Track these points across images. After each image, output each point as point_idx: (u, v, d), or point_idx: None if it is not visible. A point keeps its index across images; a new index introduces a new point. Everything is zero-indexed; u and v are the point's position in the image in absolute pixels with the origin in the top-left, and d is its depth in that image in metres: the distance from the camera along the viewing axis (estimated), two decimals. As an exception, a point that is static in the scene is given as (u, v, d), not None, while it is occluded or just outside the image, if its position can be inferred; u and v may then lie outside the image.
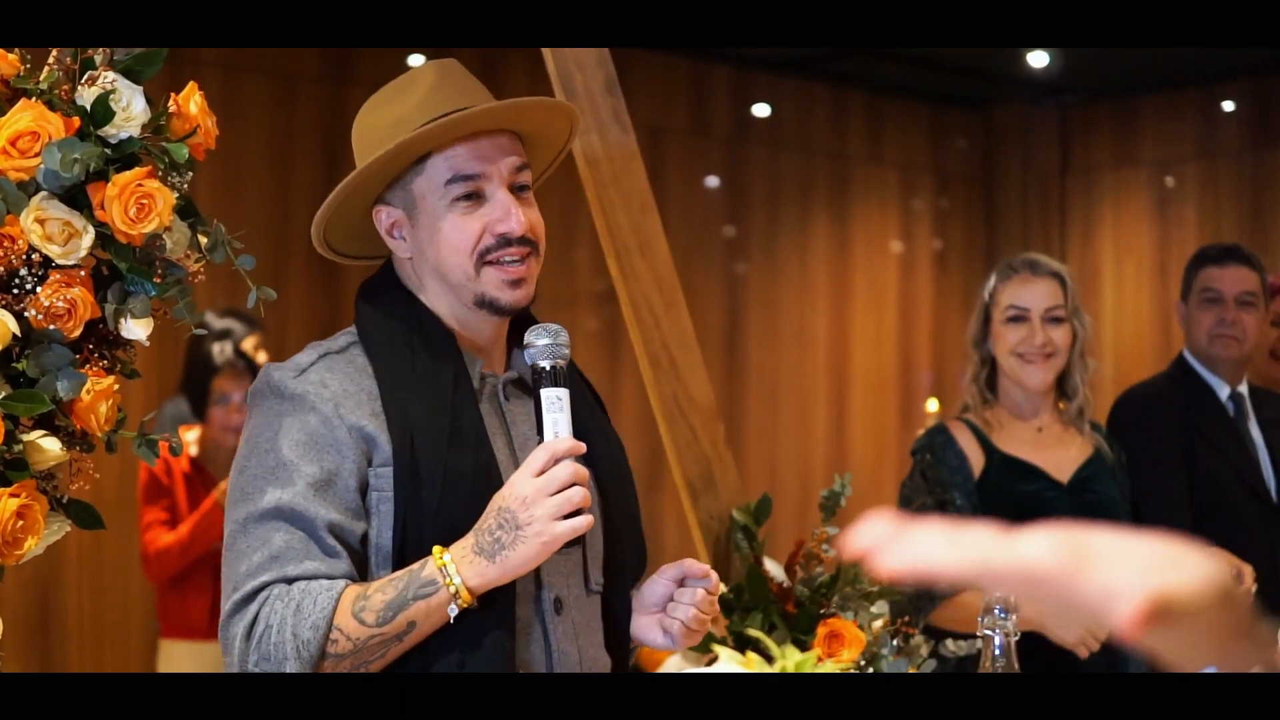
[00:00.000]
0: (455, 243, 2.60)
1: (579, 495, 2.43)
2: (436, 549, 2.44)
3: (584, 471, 2.46)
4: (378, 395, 2.55)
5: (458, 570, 2.42)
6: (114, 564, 7.19)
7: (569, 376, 2.54)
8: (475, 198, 2.61)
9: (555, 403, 2.49)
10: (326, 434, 2.51)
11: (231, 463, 5.79)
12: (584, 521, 2.44)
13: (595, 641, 2.66)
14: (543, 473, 2.43)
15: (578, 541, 2.48)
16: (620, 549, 2.69)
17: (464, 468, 2.51)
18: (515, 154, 2.64)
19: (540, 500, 2.41)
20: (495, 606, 2.47)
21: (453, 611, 2.42)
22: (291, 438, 2.51)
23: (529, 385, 2.63)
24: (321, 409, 2.51)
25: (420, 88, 2.63)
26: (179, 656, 5.75)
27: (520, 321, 2.71)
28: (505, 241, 2.60)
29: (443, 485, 2.49)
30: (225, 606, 2.47)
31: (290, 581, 2.44)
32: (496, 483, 2.51)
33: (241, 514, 2.51)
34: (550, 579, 2.59)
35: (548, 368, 2.51)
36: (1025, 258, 4.35)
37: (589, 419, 2.68)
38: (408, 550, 2.49)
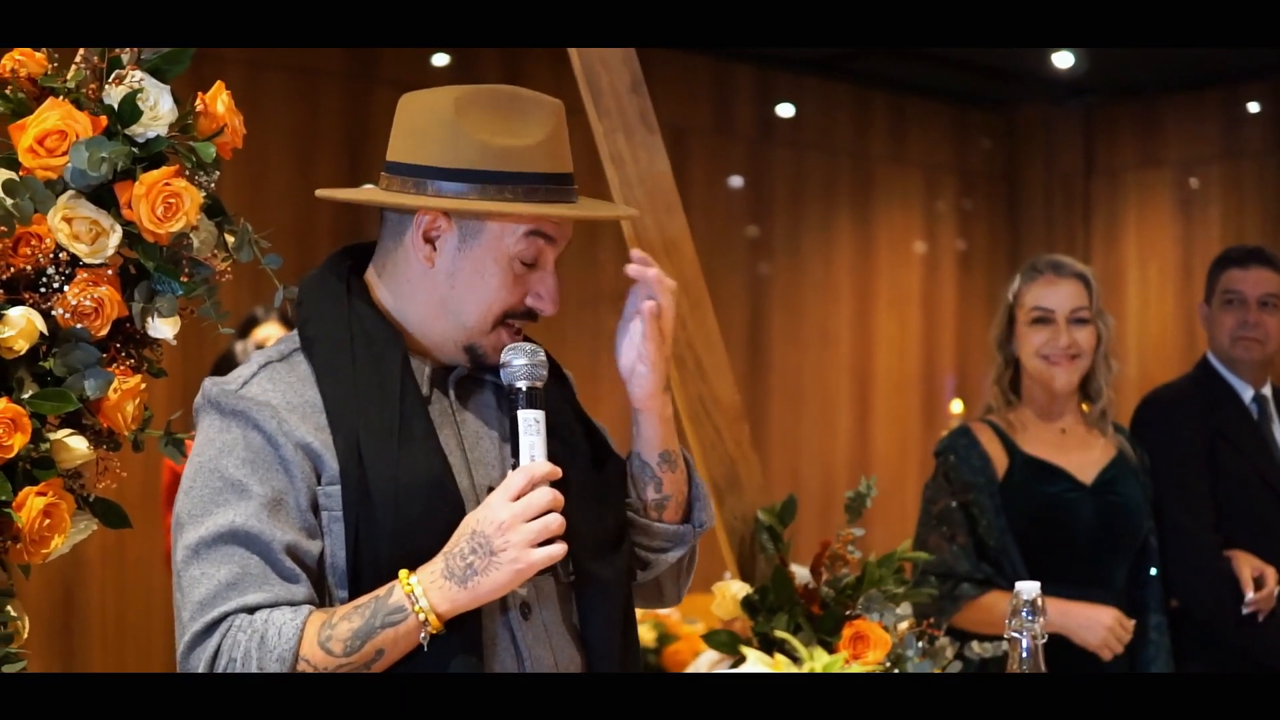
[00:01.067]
0: (494, 294, 2.51)
1: (555, 523, 2.35)
2: (403, 573, 2.36)
3: (560, 498, 2.38)
4: (322, 407, 2.45)
5: (425, 594, 2.33)
6: (137, 562, 7.21)
7: (543, 395, 2.46)
8: (534, 263, 2.53)
9: (532, 425, 2.41)
10: (272, 451, 2.40)
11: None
12: (559, 550, 2.36)
13: (570, 639, 2.55)
14: (519, 497, 2.36)
15: (549, 570, 2.40)
16: (586, 536, 2.51)
17: (416, 482, 2.40)
18: (568, 235, 2.58)
19: (517, 526, 2.33)
20: (461, 626, 2.38)
21: (424, 639, 2.34)
22: (236, 455, 2.40)
23: (481, 381, 2.59)
24: (265, 425, 2.40)
25: (536, 129, 2.52)
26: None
27: None
28: (529, 315, 2.55)
29: (395, 503, 2.39)
30: (184, 639, 2.35)
31: (252, 610, 2.33)
32: (451, 494, 2.43)
33: (192, 538, 2.37)
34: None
35: (524, 389, 2.44)
36: (1049, 259, 4.34)
37: (552, 415, 2.54)
38: (363, 570, 2.39)
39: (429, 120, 2.52)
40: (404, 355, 2.50)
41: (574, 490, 2.46)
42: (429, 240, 2.52)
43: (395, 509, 2.38)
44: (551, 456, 2.43)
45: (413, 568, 2.36)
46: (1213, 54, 9.12)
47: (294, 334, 2.55)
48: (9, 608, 2.44)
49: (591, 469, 2.59)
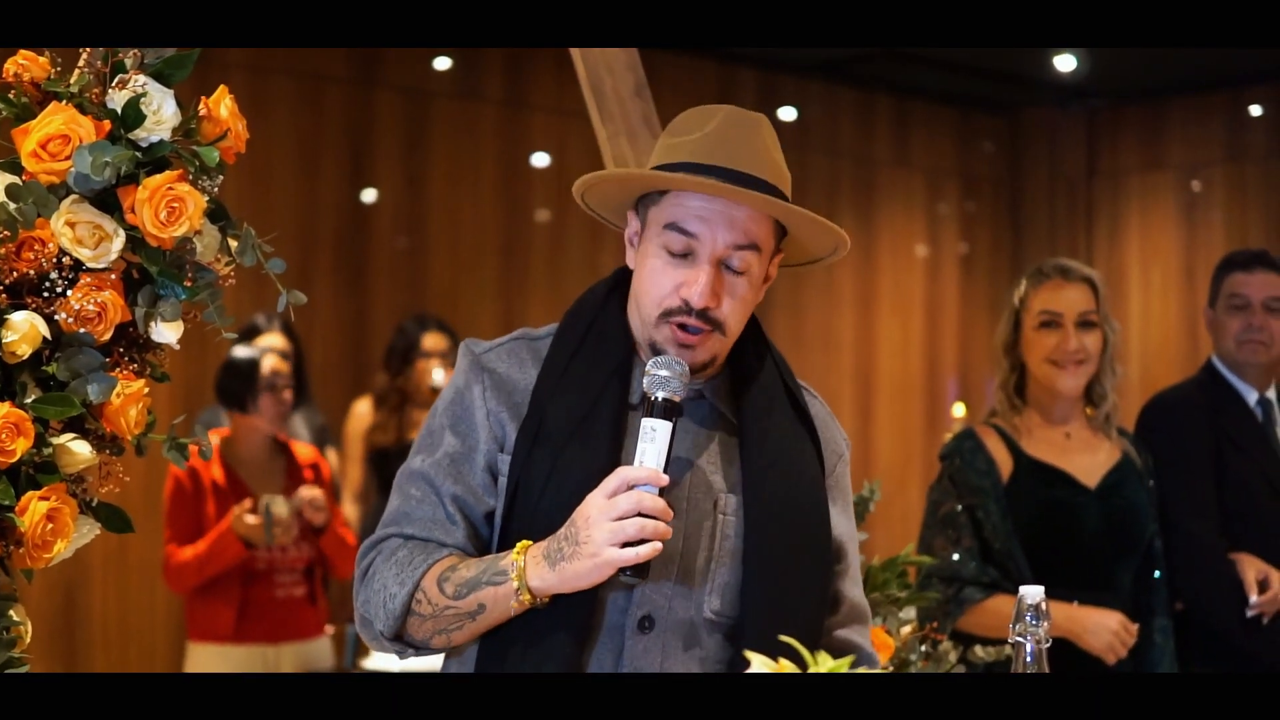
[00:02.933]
0: (650, 286, 2.60)
1: (634, 527, 2.42)
2: (522, 543, 2.51)
3: (653, 502, 2.44)
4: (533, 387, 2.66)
5: (525, 566, 2.49)
6: (139, 566, 7.21)
7: (678, 410, 2.51)
8: (686, 255, 2.58)
9: (649, 433, 2.49)
10: (472, 413, 2.65)
11: (268, 469, 5.80)
12: (640, 552, 2.42)
13: (698, 670, 2.58)
14: (613, 496, 2.45)
15: (641, 574, 2.47)
16: (769, 585, 2.58)
17: (573, 469, 2.54)
18: (742, 233, 2.58)
19: (600, 522, 2.43)
20: (569, 610, 2.51)
21: (513, 607, 2.49)
22: (451, 408, 2.67)
23: (711, 407, 2.66)
24: (475, 389, 2.65)
25: (709, 125, 2.63)
26: (205, 659, 5.76)
27: (736, 347, 2.69)
28: (687, 309, 2.57)
29: (545, 482, 2.55)
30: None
31: (407, 539, 2.60)
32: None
33: (402, 468, 2.69)
34: (646, 596, 2.55)
35: (652, 398, 2.50)
36: (1056, 263, 4.33)
37: (757, 455, 2.63)
38: (509, 538, 2.57)
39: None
40: (624, 358, 2.65)
41: (758, 544, 2.58)
42: (630, 243, 2.70)
43: (543, 487, 2.56)
44: (760, 509, 2.59)
45: None
46: (1216, 57, 9.12)
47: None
48: (12, 612, 2.43)
49: (781, 522, 2.62)
